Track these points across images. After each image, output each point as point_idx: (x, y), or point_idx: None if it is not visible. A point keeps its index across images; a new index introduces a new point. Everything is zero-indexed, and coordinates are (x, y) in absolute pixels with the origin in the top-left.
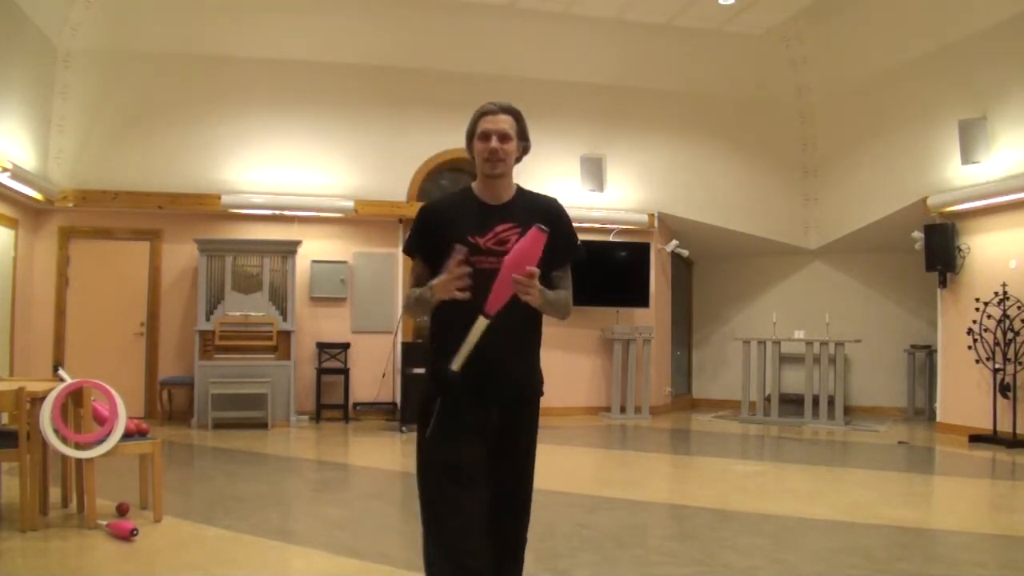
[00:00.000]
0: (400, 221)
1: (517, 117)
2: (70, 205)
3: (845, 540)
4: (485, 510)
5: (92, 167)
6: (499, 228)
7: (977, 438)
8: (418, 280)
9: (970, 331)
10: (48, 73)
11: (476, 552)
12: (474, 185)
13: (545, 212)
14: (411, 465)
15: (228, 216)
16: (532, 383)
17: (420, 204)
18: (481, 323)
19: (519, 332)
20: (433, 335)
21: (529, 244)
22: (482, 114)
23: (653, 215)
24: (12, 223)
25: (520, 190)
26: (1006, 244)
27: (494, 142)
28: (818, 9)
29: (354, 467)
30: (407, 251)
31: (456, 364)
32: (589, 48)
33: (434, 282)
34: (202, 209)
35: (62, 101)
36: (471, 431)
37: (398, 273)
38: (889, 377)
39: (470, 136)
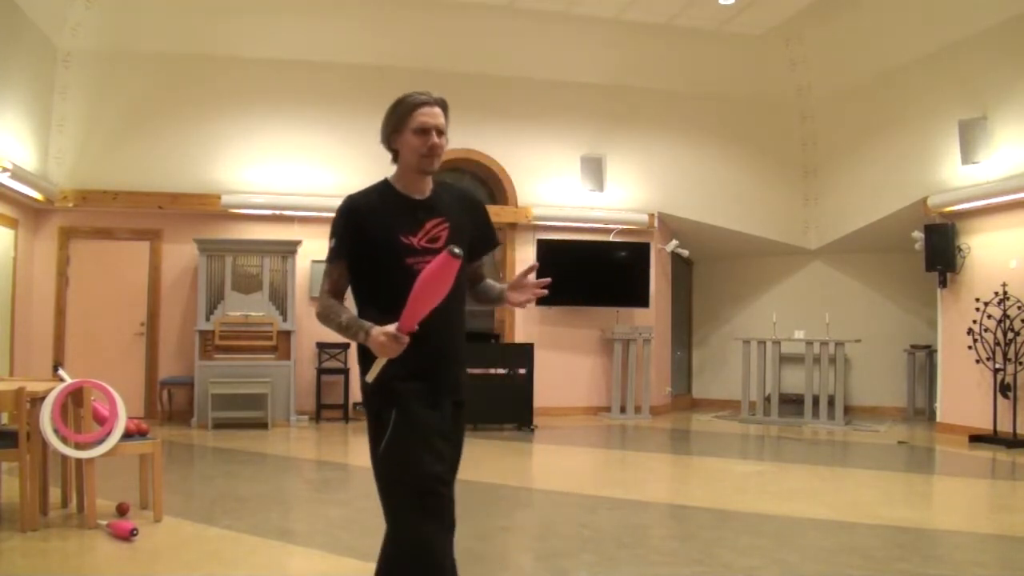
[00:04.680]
0: None
1: (447, 110)
2: (70, 205)
3: (845, 540)
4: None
5: (92, 167)
6: (428, 225)
7: (977, 438)
8: (335, 286)
9: (970, 331)
10: (48, 73)
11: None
12: (392, 179)
13: (470, 206)
14: None
15: (228, 216)
16: (465, 378)
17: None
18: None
19: (456, 329)
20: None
21: (444, 270)
22: (417, 105)
23: (653, 215)
24: (12, 223)
25: (436, 182)
26: (1006, 244)
27: (435, 137)
28: (818, 9)
29: (354, 467)
30: (336, 257)
31: (370, 377)
32: (589, 48)
33: (375, 333)
34: (202, 209)
35: (62, 101)
36: (432, 423)
37: None
38: (889, 377)
39: (397, 127)
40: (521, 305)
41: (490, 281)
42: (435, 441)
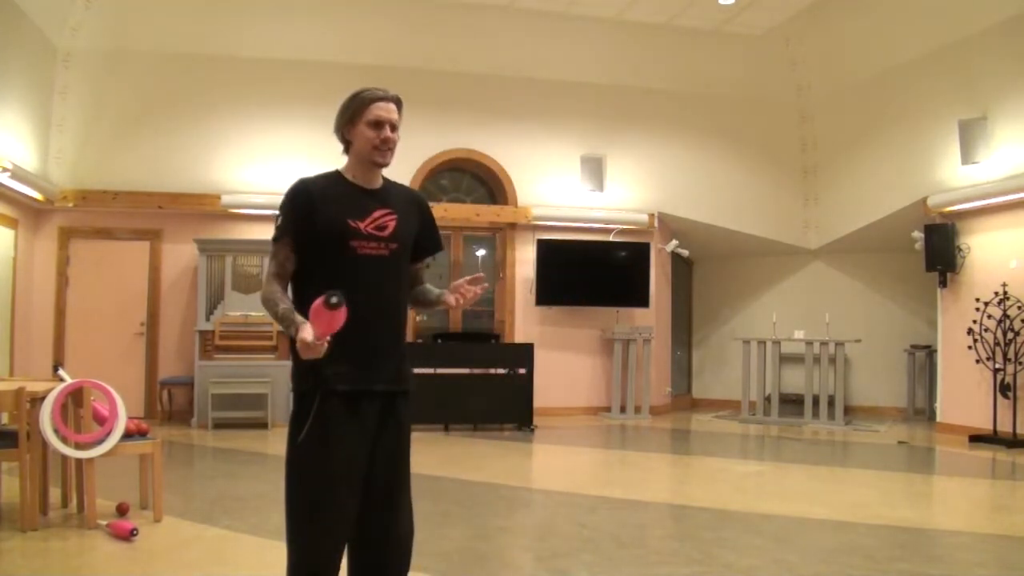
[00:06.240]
0: None
1: (401, 108)
2: (70, 205)
3: (845, 540)
4: (354, 519)
5: (92, 167)
6: (377, 213)
7: (977, 438)
8: (281, 268)
9: (970, 331)
10: (48, 73)
11: (335, 569)
12: (344, 170)
13: (416, 203)
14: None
15: (228, 216)
16: (407, 369)
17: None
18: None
19: (396, 319)
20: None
21: (327, 313)
22: (374, 99)
23: (653, 215)
24: (12, 223)
25: (386, 179)
26: (1006, 244)
27: (388, 131)
28: (818, 9)
29: None
30: (283, 235)
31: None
32: (589, 48)
33: (303, 333)
34: (202, 209)
35: (62, 101)
36: (350, 431)
37: None
38: (889, 377)
39: (352, 119)
40: (452, 305)
41: (428, 286)
42: (347, 447)
